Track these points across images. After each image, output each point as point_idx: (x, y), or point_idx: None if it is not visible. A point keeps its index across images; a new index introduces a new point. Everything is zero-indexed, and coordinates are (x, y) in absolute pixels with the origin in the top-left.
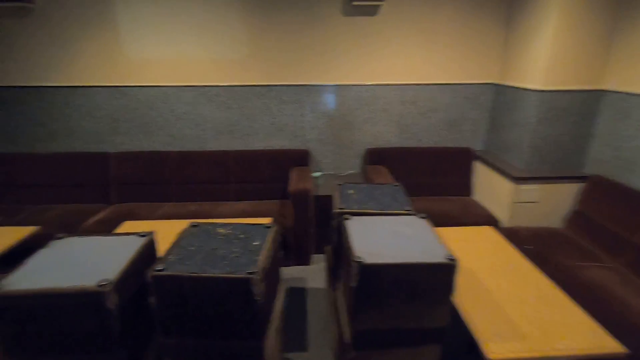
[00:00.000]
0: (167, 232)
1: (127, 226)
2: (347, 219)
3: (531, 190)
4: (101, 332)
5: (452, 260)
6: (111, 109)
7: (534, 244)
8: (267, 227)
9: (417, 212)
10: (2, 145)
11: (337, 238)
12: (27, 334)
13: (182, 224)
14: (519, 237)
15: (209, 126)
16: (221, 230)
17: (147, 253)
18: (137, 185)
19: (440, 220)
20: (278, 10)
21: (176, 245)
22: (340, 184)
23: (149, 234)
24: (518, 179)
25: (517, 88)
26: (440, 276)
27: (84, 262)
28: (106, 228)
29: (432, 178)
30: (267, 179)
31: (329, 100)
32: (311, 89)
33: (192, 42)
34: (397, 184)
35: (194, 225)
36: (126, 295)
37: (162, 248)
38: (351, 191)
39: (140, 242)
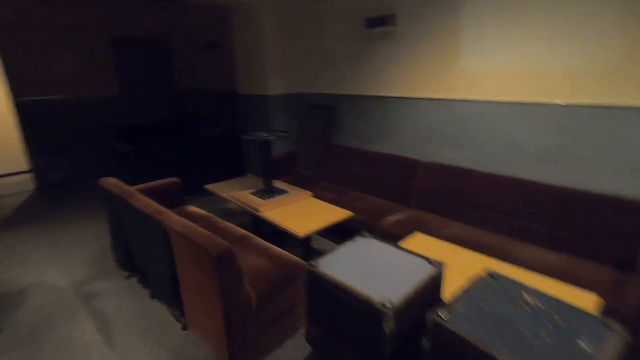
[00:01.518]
0: (453, 259)
1: (417, 238)
2: None
3: None
4: (374, 344)
5: None
6: (430, 119)
7: None
8: (605, 325)
9: None
10: (350, 140)
11: None
12: (322, 310)
13: (470, 256)
14: None
15: (529, 150)
16: (527, 298)
17: (433, 285)
18: (435, 196)
19: None
20: None
21: (467, 294)
22: None
23: (439, 264)
24: None
25: None
26: None
27: (376, 269)
28: (400, 230)
29: None
30: (599, 231)
31: None
32: None
33: (537, 51)
34: None
35: (491, 276)
36: (402, 324)
37: (446, 280)
38: None
39: (429, 270)
